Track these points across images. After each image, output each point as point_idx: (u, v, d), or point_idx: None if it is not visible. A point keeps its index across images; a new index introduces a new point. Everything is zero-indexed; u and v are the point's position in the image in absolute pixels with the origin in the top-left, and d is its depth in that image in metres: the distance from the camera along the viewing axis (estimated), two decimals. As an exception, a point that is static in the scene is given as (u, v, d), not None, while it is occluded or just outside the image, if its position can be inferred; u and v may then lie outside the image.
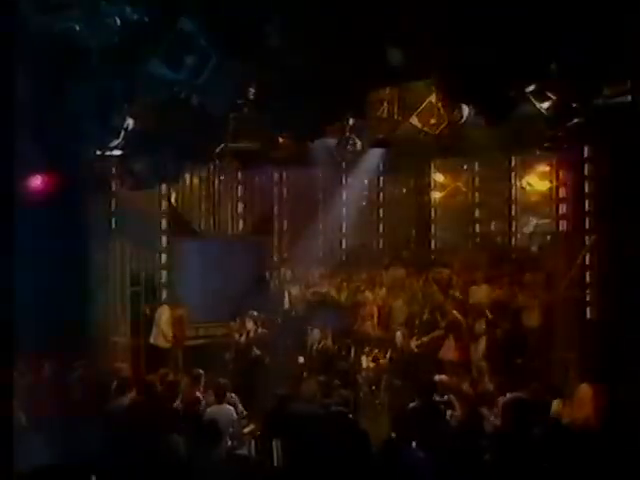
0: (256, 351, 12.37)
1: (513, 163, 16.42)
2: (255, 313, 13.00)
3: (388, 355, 11.95)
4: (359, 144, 13.82)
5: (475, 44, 7.83)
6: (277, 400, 9.34)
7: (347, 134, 13.66)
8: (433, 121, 10.40)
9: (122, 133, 7.87)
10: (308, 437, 8.09)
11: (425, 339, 12.47)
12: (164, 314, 13.84)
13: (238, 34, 6.43)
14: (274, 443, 8.14)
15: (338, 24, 7.45)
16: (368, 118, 11.04)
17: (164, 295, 14.70)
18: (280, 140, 12.94)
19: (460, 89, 8.93)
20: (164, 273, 14.99)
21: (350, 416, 8.43)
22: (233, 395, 9.93)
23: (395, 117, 11.17)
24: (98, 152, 9.42)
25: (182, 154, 9.63)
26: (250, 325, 12.62)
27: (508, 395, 8.88)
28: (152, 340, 13.71)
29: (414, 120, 10.43)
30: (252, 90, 7.46)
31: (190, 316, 14.43)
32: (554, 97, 9.40)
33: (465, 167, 16.87)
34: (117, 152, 9.40)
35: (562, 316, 11.42)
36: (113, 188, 13.78)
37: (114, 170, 12.46)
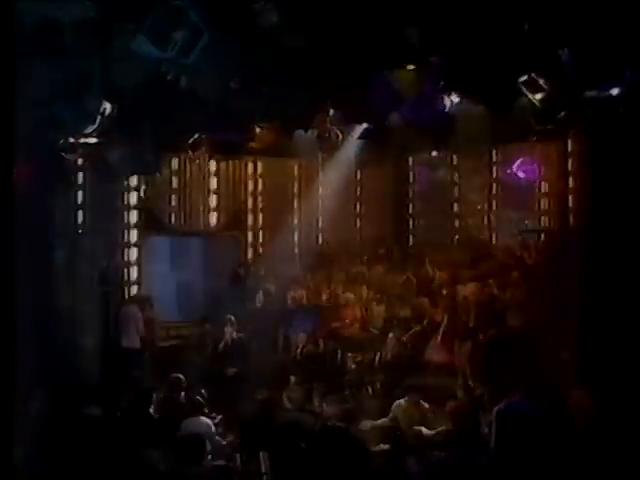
0: (234, 359, 11.65)
1: (495, 156, 16.00)
2: (232, 318, 12.28)
3: (378, 357, 11.35)
4: (340, 136, 13.22)
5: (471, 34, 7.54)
6: (260, 407, 8.71)
7: (328, 125, 13.05)
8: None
9: (98, 119, 7.13)
10: (297, 448, 7.49)
11: (404, 338, 11.90)
12: (133, 313, 13.07)
13: (233, 8, 5.75)
14: (261, 455, 7.51)
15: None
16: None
17: (133, 293, 13.92)
18: (257, 130, 12.29)
19: (458, 79, 8.55)
20: (134, 269, 14.23)
21: (343, 427, 7.84)
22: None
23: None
24: (71, 140, 8.62)
25: (163, 143, 8.91)
26: (228, 330, 11.87)
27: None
28: (123, 342, 12.96)
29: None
30: (244, 73, 6.76)
31: (160, 316, 13.70)
32: (547, 88, 9.17)
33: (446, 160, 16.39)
34: (92, 140, 8.59)
35: (554, 315, 10.94)
36: (80, 180, 12.97)
37: (84, 160, 11.65)
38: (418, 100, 10.57)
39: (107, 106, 7.18)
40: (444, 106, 12.13)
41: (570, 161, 14.10)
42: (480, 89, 8.08)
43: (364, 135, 12.74)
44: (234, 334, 11.72)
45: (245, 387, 10.85)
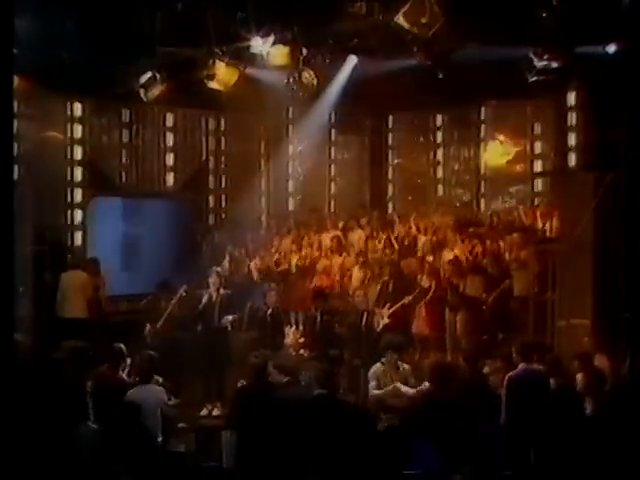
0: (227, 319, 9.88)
1: (483, 115, 14.53)
2: (219, 269, 10.48)
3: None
4: (315, 79, 11.64)
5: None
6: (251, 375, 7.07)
7: (300, 66, 11.46)
8: (424, 20, 8.20)
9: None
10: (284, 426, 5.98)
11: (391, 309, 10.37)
12: (76, 280, 11.33)
13: None
14: (225, 436, 5.93)
15: None
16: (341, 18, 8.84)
17: (76, 259, 12.17)
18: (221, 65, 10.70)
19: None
20: (78, 234, 12.49)
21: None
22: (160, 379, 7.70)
23: (375, 16, 8.92)
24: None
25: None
26: (216, 281, 9.97)
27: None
28: (59, 312, 11.21)
29: (400, 19, 8.21)
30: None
31: (110, 286, 11.95)
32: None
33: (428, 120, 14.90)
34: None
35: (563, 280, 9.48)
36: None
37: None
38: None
39: None
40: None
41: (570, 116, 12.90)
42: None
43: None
44: (221, 290, 9.93)
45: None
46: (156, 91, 11.25)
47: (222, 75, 10.95)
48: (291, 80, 11.67)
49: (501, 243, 11.52)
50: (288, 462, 5.67)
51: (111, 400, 6.50)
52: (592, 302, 8.98)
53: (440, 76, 11.60)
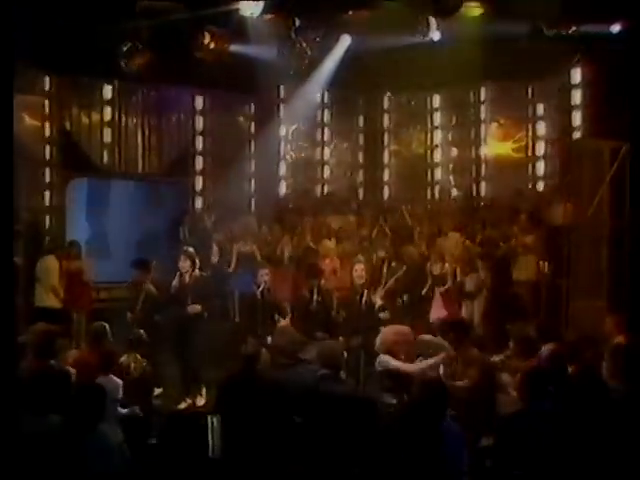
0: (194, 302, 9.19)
1: (483, 95, 13.86)
2: (190, 249, 9.75)
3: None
4: (308, 49, 10.98)
5: None
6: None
7: (293, 36, 10.81)
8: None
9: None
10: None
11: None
12: (52, 266, 10.58)
13: None
14: (210, 420, 5.23)
15: None
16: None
17: (53, 244, 11.42)
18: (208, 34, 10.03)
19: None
20: (56, 216, 11.76)
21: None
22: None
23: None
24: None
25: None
26: (186, 265, 9.28)
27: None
28: (38, 301, 10.48)
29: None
30: None
31: (90, 273, 11.19)
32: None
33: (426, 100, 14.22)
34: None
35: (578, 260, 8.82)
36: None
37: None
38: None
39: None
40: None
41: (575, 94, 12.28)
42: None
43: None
44: (195, 271, 9.23)
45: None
46: (138, 61, 10.53)
47: (210, 44, 10.27)
48: (283, 52, 11.02)
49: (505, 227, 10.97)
50: (285, 449, 5.01)
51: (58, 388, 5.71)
52: (608, 282, 8.32)
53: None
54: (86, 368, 6.36)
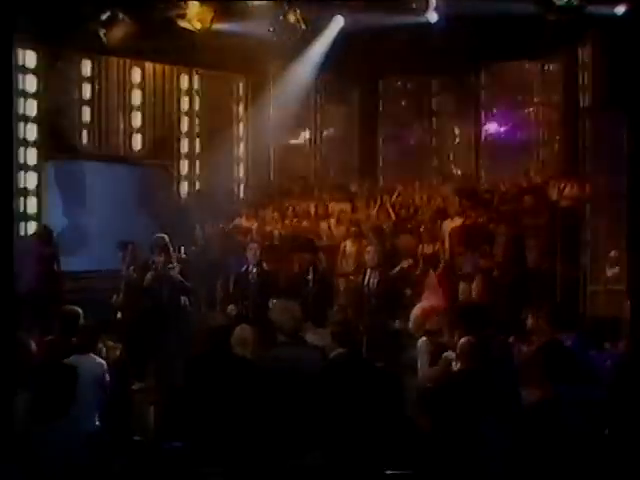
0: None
1: (483, 78, 13.22)
2: (164, 236, 9.02)
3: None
4: (301, 23, 10.31)
5: None
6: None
7: (285, 7, 10.14)
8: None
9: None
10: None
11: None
12: (28, 251, 9.85)
13: None
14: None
15: None
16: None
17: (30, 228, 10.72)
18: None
19: None
20: (31, 200, 11.02)
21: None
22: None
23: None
24: None
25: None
26: (161, 260, 8.58)
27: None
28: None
29: None
30: None
31: (66, 259, 10.48)
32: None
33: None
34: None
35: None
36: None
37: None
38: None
39: None
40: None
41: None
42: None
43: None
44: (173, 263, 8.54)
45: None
46: (118, 33, 9.82)
47: (195, 13, 9.57)
48: (275, 26, 10.36)
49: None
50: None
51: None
52: (627, 264, 7.70)
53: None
54: (55, 350, 5.73)
